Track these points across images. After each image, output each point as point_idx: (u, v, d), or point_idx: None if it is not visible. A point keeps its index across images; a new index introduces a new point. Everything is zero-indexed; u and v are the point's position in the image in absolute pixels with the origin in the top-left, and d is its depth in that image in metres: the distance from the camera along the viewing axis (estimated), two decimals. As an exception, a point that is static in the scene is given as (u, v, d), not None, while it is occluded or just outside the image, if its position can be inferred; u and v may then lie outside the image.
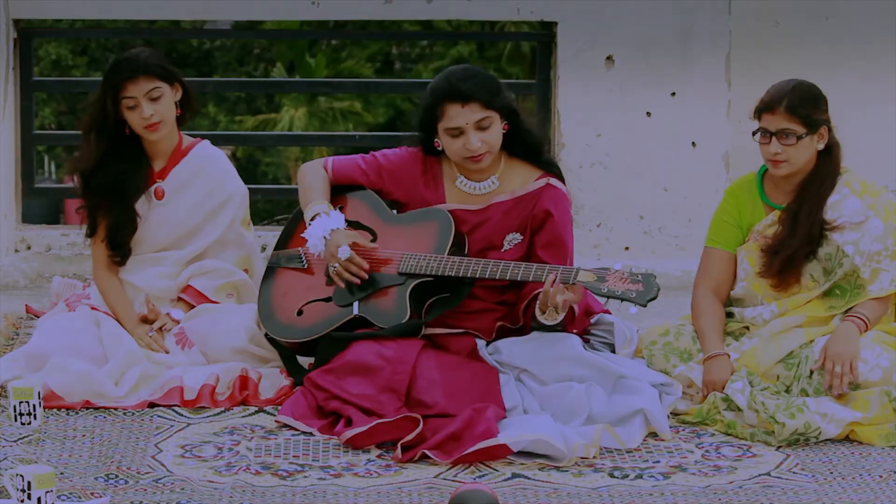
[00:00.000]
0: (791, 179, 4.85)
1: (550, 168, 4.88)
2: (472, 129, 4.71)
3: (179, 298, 5.14)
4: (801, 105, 4.74)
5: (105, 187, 5.10)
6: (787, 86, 4.79)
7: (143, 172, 5.15)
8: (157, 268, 5.16)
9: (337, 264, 4.76)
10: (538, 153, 4.86)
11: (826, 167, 4.83)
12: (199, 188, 5.19)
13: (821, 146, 4.81)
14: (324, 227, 4.82)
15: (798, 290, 4.84)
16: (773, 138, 4.76)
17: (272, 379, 4.87)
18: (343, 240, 4.77)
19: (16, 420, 4.47)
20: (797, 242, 4.79)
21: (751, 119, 4.86)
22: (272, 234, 6.75)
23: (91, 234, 5.15)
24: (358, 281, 4.76)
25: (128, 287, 5.14)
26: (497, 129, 4.75)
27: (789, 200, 4.86)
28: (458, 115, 4.71)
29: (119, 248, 5.14)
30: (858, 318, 4.71)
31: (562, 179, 4.89)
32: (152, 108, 5.04)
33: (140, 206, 5.15)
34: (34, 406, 4.47)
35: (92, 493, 3.92)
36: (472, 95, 4.69)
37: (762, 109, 4.79)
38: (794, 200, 4.84)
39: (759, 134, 4.80)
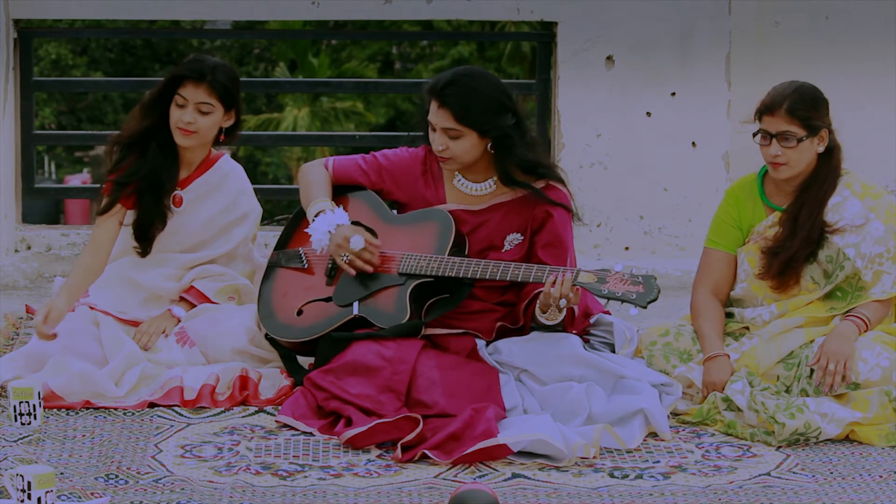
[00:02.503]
0: (791, 181, 4.85)
1: (548, 176, 4.83)
2: (441, 131, 4.71)
3: (181, 298, 5.14)
4: (801, 108, 4.74)
5: (139, 174, 5.05)
6: (788, 88, 4.79)
7: (174, 175, 5.12)
8: (162, 268, 5.15)
9: (346, 255, 4.75)
10: (532, 171, 4.79)
11: (826, 169, 4.82)
12: (216, 203, 5.18)
13: (821, 149, 4.80)
14: (329, 222, 4.82)
15: (798, 293, 4.84)
16: (774, 140, 4.76)
17: (272, 379, 4.87)
18: (350, 233, 4.77)
19: (16, 420, 4.47)
20: (797, 244, 4.79)
21: (744, 123, 4.86)
22: (272, 234, 6.75)
23: (104, 212, 5.07)
24: (370, 269, 4.76)
25: (132, 285, 5.13)
26: (467, 144, 4.71)
27: (790, 202, 4.86)
28: (433, 112, 4.72)
29: (146, 241, 5.11)
30: (859, 318, 4.71)
31: (563, 183, 4.86)
32: (195, 117, 5.01)
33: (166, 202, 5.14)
34: (34, 406, 4.47)
35: (92, 493, 3.92)
36: (445, 103, 4.68)
37: (763, 111, 4.79)
38: (795, 202, 4.84)
39: (759, 135, 4.81)
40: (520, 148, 4.73)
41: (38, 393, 4.48)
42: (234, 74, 5.10)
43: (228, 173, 5.22)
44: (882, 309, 4.77)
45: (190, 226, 5.16)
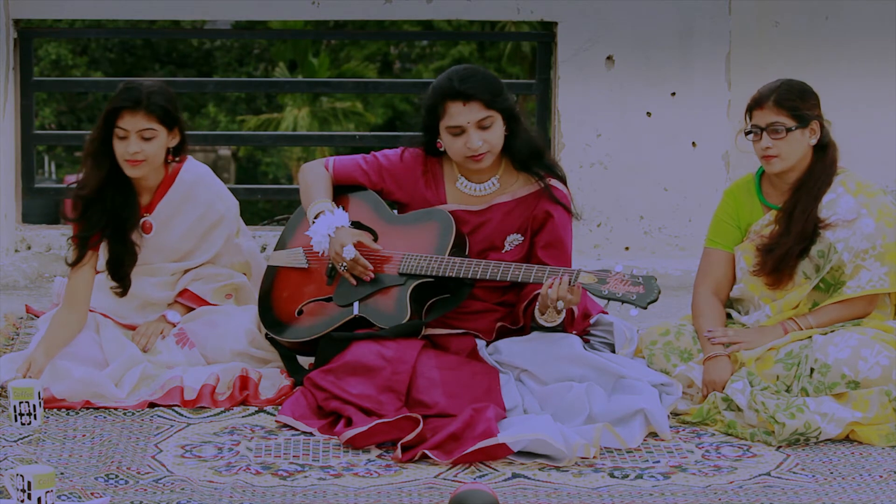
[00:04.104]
0: (786, 178, 4.86)
1: (551, 171, 4.86)
2: (474, 128, 4.71)
3: (176, 301, 5.13)
4: (788, 98, 4.79)
5: (102, 218, 4.99)
6: (775, 83, 4.86)
7: (135, 205, 5.05)
8: (153, 278, 5.13)
9: (345, 264, 4.76)
10: (539, 159, 4.84)
11: (821, 165, 4.84)
12: (188, 214, 5.11)
13: (813, 141, 4.82)
14: (328, 224, 4.82)
15: (791, 288, 4.85)
16: (764, 133, 4.79)
17: (272, 379, 4.87)
18: (347, 238, 4.77)
19: (16, 420, 4.47)
20: (791, 240, 4.80)
21: (742, 132, 4.88)
22: (272, 235, 6.75)
23: (75, 263, 5.00)
24: (367, 278, 4.76)
25: (127, 293, 5.11)
26: (498, 129, 4.74)
27: (785, 199, 4.87)
28: (460, 113, 4.71)
29: (122, 279, 5.06)
30: (795, 324, 4.75)
31: (563, 182, 4.88)
32: (140, 146, 4.92)
33: (133, 238, 5.08)
34: (34, 406, 4.47)
35: (92, 493, 3.92)
36: (473, 94, 4.69)
37: (752, 107, 4.85)
38: (790, 199, 4.86)
39: (751, 133, 4.83)
40: (523, 126, 4.78)
41: (38, 393, 4.48)
42: (169, 94, 4.99)
43: (195, 181, 5.13)
44: (845, 309, 4.77)
45: (169, 242, 5.11)
